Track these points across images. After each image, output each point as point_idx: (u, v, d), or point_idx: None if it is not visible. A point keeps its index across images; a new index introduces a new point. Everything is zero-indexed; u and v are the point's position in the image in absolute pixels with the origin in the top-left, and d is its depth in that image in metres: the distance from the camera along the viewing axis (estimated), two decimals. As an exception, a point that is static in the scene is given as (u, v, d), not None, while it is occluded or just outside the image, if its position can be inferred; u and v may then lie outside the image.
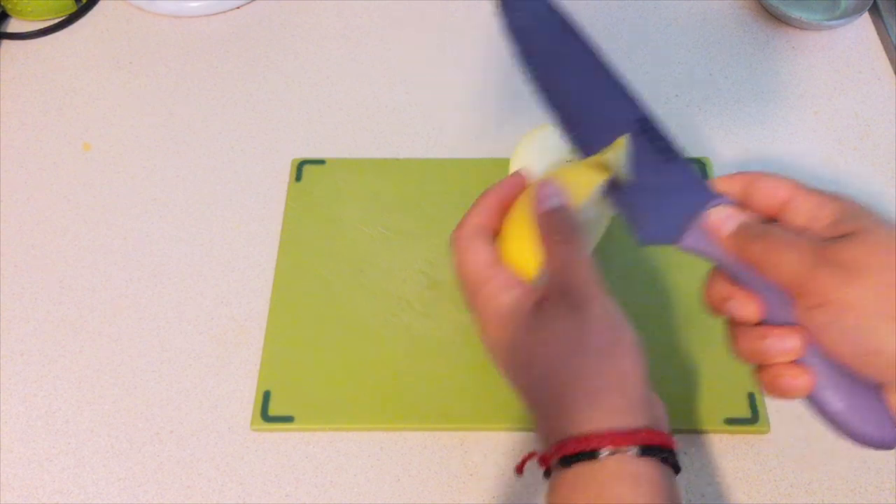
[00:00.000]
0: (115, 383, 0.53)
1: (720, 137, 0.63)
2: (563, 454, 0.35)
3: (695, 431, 0.50)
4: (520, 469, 0.39)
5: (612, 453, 0.34)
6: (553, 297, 0.37)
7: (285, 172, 0.62)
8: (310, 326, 0.54)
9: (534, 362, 0.37)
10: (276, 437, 0.51)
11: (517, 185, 0.42)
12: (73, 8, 0.73)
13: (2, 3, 0.73)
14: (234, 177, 0.63)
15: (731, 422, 0.49)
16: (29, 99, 0.69)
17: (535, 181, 0.42)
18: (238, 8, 0.74)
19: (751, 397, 0.50)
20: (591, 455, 0.34)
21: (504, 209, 0.42)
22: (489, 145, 0.62)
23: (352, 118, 0.66)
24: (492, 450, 0.50)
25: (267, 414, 0.51)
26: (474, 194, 0.43)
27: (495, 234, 0.41)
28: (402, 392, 0.51)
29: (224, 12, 0.73)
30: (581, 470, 0.34)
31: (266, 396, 0.51)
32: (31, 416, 0.52)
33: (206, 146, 0.65)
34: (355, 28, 0.72)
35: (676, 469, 0.36)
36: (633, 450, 0.34)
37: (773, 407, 0.51)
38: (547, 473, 0.37)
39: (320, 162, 0.62)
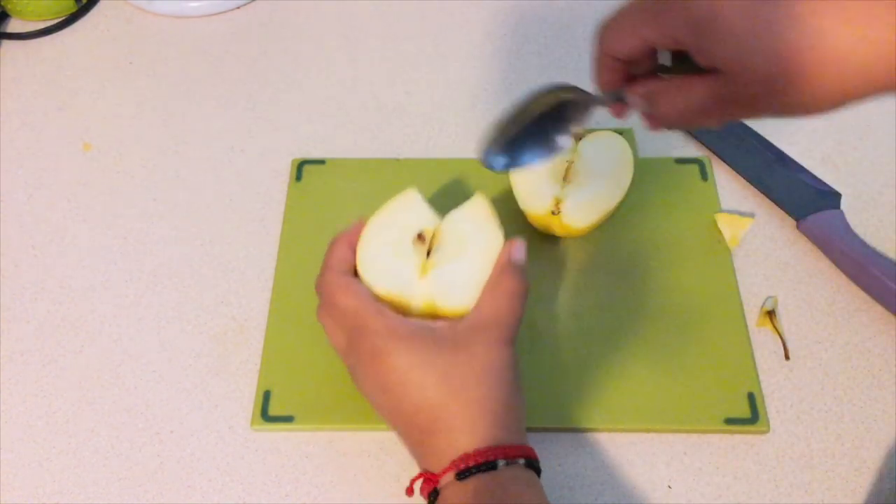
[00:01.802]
0: (115, 383, 0.53)
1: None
2: (462, 467, 0.40)
3: (695, 431, 0.50)
4: (409, 491, 0.43)
5: (508, 464, 0.40)
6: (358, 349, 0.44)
7: (285, 172, 0.62)
8: (310, 326, 0.54)
9: (398, 385, 0.42)
10: (276, 437, 0.51)
11: (359, 230, 0.48)
12: (73, 8, 0.73)
13: (2, 3, 0.73)
14: (234, 177, 0.63)
15: (731, 422, 0.49)
16: (29, 99, 0.69)
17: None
18: (238, 8, 0.74)
19: (751, 397, 0.50)
20: (491, 466, 0.39)
21: (353, 249, 0.48)
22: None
23: (352, 118, 0.66)
24: (492, 450, 0.50)
25: (267, 414, 0.51)
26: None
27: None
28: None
29: (224, 12, 0.73)
30: (481, 479, 0.39)
31: (266, 396, 0.51)
32: (31, 416, 0.52)
33: (207, 146, 0.65)
34: (355, 28, 0.72)
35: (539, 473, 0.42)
36: (522, 461, 0.40)
37: (773, 407, 0.51)
38: (433, 494, 0.41)
39: (320, 162, 0.62)
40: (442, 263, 0.47)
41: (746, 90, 0.35)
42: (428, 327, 0.43)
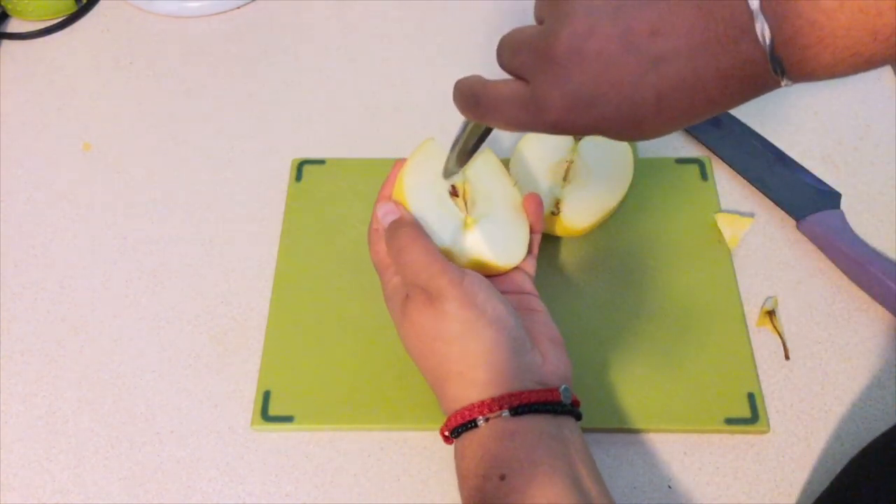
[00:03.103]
0: (115, 383, 0.53)
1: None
2: (450, 428, 0.41)
3: (695, 431, 0.50)
4: (446, 439, 0.43)
5: (487, 419, 0.40)
6: (412, 294, 0.43)
7: (285, 172, 0.62)
8: (310, 326, 0.54)
9: (412, 347, 0.44)
10: (276, 436, 0.51)
11: (394, 180, 0.48)
12: (73, 8, 0.73)
13: (2, 3, 0.73)
14: (234, 177, 0.63)
15: (731, 422, 0.49)
16: (29, 99, 0.69)
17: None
18: (238, 8, 0.74)
19: (751, 397, 0.50)
20: (472, 424, 0.40)
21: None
22: (488, 145, 0.62)
23: (352, 118, 0.66)
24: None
25: (267, 414, 0.51)
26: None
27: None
28: (402, 392, 0.51)
29: (224, 12, 0.73)
30: (467, 438, 0.40)
31: (266, 396, 0.51)
32: (31, 416, 0.52)
33: (206, 146, 0.65)
34: (355, 28, 0.72)
35: (575, 416, 0.42)
36: (505, 412, 0.40)
37: (773, 407, 0.51)
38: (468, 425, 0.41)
39: (320, 162, 0.62)
40: (480, 218, 0.47)
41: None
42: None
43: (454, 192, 0.48)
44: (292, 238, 0.58)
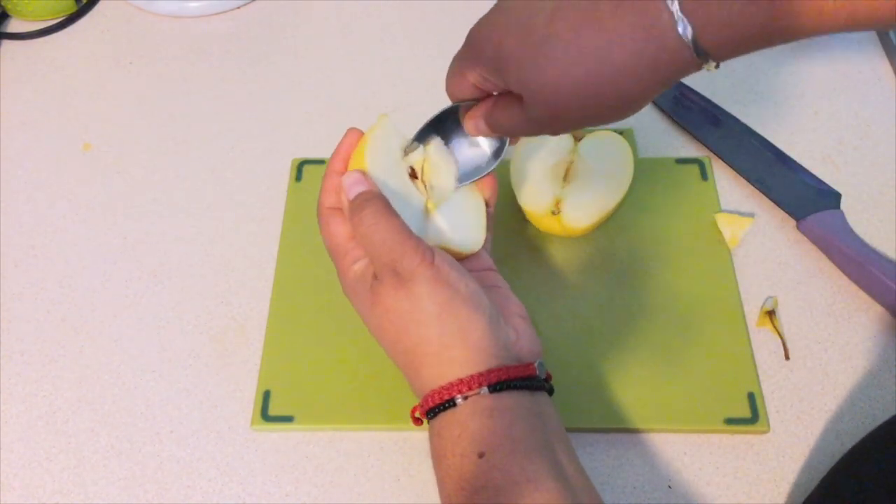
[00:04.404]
0: (115, 383, 0.53)
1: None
2: (427, 408, 0.40)
3: (695, 431, 0.50)
4: (415, 421, 0.42)
5: (465, 397, 0.39)
6: (380, 274, 0.41)
7: (285, 172, 0.62)
8: (310, 326, 0.54)
9: (382, 332, 0.42)
10: (276, 436, 0.51)
11: (348, 152, 0.46)
12: (73, 8, 0.73)
13: (2, 3, 0.73)
14: (234, 177, 0.63)
15: (731, 422, 0.49)
16: (29, 99, 0.69)
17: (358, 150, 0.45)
18: (238, 8, 0.74)
19: (751, 397, 0.50)
20: (450, 403, 0.39)
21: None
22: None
23: (352, 118, 0.66)
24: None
25: (267, 414, 0.51)
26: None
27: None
28: (401, 392, 0.51)
29: (224, 12, 0.73)
30: (444, 417, 0.40)
31: (266, 396, 0.51)
32: (31, 416, 0.52)
33: (206, 146, 0.65)
34: (355, 28, 0.72)
35: (548, 391, 0.42)
36: (484, 389, 0.39)
37: (773, 407, 0.51)
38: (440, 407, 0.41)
39: (320, 162, 0.62)
40: (440, 202, 0.46)
41: (545, 111, 0.37)
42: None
43: (413, 174, 0.46)
44: (292, 238, 0.58)
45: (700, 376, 0.51)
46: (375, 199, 0.42)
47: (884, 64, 0.67)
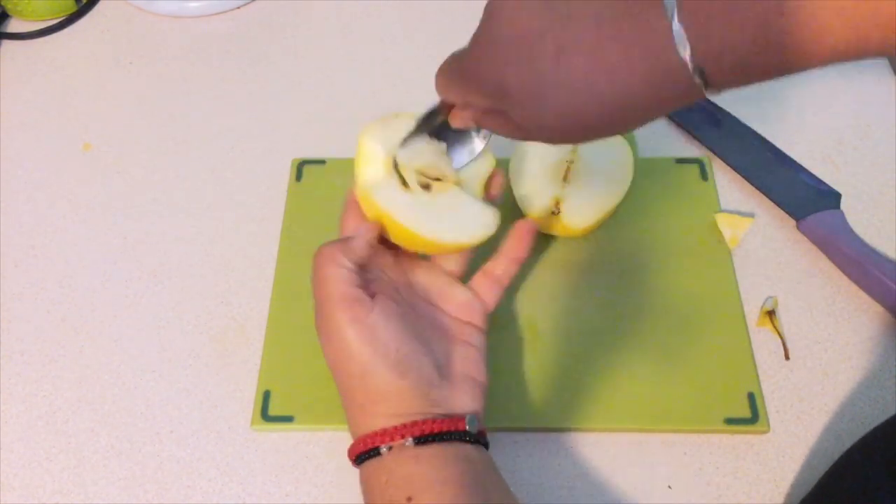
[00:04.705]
0: (115, 383, 0.53)
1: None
2: (354, 454, 0.41)
3: (695, 431, 0.50)
4: (354, 463, 0.43)
5: (391, 448, 0.40)
6: (321, 314, 0.43)
7: (285, 172, 0.62)
8: (310, 326, 0.54)
9: (329, 361, 0.43)
10: (276, 437, 0.51)
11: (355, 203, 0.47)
12: (73, 8, 0.73)
13: (2, 3, 0.73)
14: (234, 177, 0.63)
15: (731, 422, 0.49)
16: (29, 99, 0.69)
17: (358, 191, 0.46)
18: (238, 8, 0.74)
19: (751, 397, 0.50)
20: (375, 452, 0.40)
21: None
22: None
23: (352, 118, 0.66)
24: (491, 449, 0.50)
25: (267, 414, 0.51)
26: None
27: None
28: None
29: (224, 12, 0.73)
30: (371, 464, 0.41)
31: (266, 396, 0.51)
32: (31, 416, 0.52)
33: (206, 146, 0.65)
34: (355, 28, 0.72)
35: (477, 442, 0.42)
36: (409, 441, 0.40)
37: (773, 407, 0.51)
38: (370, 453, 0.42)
39: (320, 162, 0.62)
40: (440, 196, 0.46)
41: (538, 134, 0.37)
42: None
43: (428, 187, 0.46)
44: (292, 238, 0.58)
45: (700, 376, 0.51)
46: (329, 245, 0.44)
47: (884, 64, 0.67)
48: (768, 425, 0.50)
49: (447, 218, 0.45)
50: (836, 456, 0.48)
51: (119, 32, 0.73)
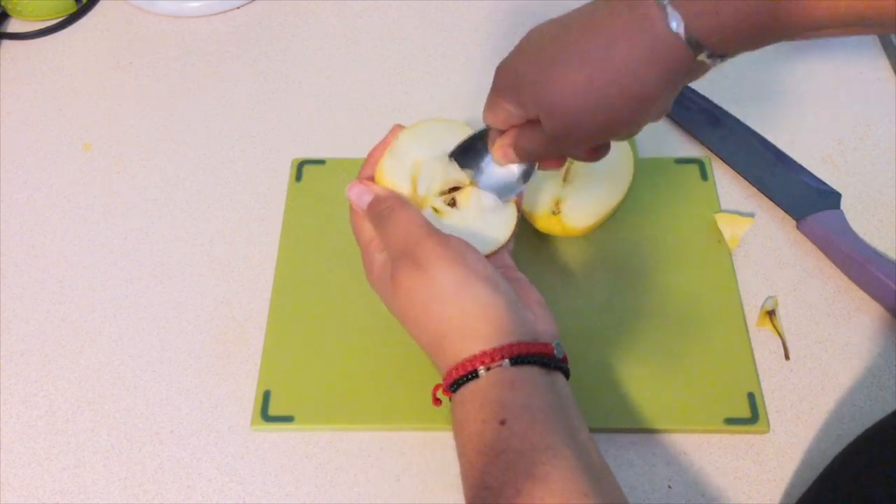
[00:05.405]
0: (115, 383, 0.53)
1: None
2: (451, 381, 0.41)
3: (695, 431, 0.50)
4: (435, 401, 0.45)
5: (488, 369, 0.40)
6: (400, 263, 0.43)
7: (285, 172, 0.62)
8: (310, 326, 0.54)
9: (405, 315, 0.44)
10: (276, 437, 0.51)
11: (377, 158, 0.49)
12: (73, 8, 0.73)
13: (2, 3, 0.73)
14: (234, 177, 0.63)
15: (731, 422, 0.49)
16: (29, 99, 0.69)
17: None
18: (238, 8, 0.74)
19: (751, 397, 0.50)
20: (473, 375, 0.41)
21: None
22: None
23: (352, 118, 0.66)
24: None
25: (267, 414, 0.51)
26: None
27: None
28: (402, 392, 0.51)
29: (224, 12, 0.73)
30: (468, 388, 0.41)
31: (266, 396, 0.51)
32: (31, 416, 0.52)
33: (206, 146, 0.65)
34: (355, 28, 0.72)
35: (564, 372, 0.43)
36: (506, 362, 0.41)
37: (773, 407, 0.51)
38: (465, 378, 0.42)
39: (320, 162, 0.62)
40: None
41: (559, 124, 0.40)
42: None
43: (454, 203, 0.48)
44: (292, 238, 0.58)
45: (700, 376, 0.51)
46: (390, 199, 0.45)
47: (884, 64, 0.67)
48: (768, 425, 0.50)
49: (479, 228, 0.47)
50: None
51: (119, 32, 0.73)
